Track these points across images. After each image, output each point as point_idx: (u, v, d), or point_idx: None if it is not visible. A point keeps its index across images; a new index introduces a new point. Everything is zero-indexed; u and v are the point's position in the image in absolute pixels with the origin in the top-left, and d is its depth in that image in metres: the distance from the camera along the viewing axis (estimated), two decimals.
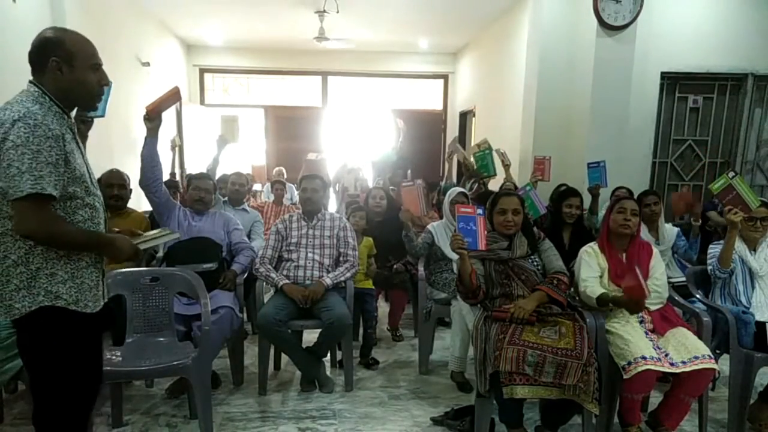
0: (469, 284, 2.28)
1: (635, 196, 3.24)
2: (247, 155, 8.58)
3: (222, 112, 4.06)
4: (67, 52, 1.48)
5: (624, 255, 2.46)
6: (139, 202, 3.09)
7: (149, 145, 2.69)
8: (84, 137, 2.69)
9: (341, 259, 3.00)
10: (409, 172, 5.38)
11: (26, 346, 1.52)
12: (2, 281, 1.45)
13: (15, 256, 1.44)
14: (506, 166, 4.49)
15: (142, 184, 2.78)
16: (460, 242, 2.20)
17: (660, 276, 2.43)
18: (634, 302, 2.15)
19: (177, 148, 6.05)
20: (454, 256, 3.07)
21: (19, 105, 1.41)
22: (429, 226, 3.26)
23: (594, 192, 3.68)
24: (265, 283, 2.93)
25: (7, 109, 1.41)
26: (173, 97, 2.67)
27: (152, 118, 2.61)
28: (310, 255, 2.92)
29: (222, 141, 3.60)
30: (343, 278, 2.90)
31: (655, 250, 2.52)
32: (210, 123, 7.70)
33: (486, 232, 2.26)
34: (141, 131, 2.70)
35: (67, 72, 1.48)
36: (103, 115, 2.59)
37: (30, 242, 1.45)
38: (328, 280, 2.84)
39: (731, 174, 2.76)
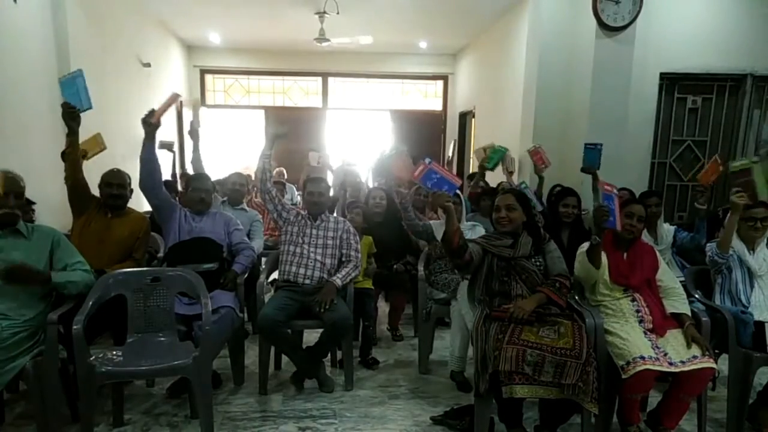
0: (451, 241, 2.22)
1: (636, 197, 3.26)
2: (246, 158, 8.58)
3: (215, 112, 4.04)
4: None
5: (625, 255, 2.48)
6: (139, 202, 3.09)
7: (148, 148, 2.73)
8: (75, 134, 2.72)
9: (344, 259, 3.01)
10: None
11: None
12: None
13: None
14: (509, 173, 4.55)
15: (143, 186, 2.80)
16: (447, 198, 2.27)
17: (665, 274, 2.46)
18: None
19: (176, 151, 5.98)
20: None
21: None
22: (430, 222, 3.32)
23: (590, 172, 3.68)
24: (265, 284, 2.94)
25: None
26: (172, 100, 2.85)
27: (153, 122, 2.68)
28: (312, 254, 2.93)
29: (193, 130, 3.64)
30: (350, 278, 2.92)
31: (658, 254, 2.53)
32: (210, 123, 7.68)
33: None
34: (142, 132, 2.71)
35: None
36: (91, 107, 2.66)
37: None
38: (338, 281, 2.85)
39: (755, 158, 2.71)
